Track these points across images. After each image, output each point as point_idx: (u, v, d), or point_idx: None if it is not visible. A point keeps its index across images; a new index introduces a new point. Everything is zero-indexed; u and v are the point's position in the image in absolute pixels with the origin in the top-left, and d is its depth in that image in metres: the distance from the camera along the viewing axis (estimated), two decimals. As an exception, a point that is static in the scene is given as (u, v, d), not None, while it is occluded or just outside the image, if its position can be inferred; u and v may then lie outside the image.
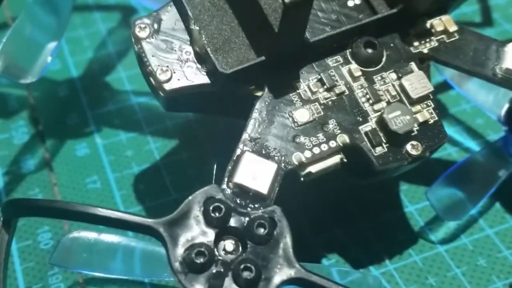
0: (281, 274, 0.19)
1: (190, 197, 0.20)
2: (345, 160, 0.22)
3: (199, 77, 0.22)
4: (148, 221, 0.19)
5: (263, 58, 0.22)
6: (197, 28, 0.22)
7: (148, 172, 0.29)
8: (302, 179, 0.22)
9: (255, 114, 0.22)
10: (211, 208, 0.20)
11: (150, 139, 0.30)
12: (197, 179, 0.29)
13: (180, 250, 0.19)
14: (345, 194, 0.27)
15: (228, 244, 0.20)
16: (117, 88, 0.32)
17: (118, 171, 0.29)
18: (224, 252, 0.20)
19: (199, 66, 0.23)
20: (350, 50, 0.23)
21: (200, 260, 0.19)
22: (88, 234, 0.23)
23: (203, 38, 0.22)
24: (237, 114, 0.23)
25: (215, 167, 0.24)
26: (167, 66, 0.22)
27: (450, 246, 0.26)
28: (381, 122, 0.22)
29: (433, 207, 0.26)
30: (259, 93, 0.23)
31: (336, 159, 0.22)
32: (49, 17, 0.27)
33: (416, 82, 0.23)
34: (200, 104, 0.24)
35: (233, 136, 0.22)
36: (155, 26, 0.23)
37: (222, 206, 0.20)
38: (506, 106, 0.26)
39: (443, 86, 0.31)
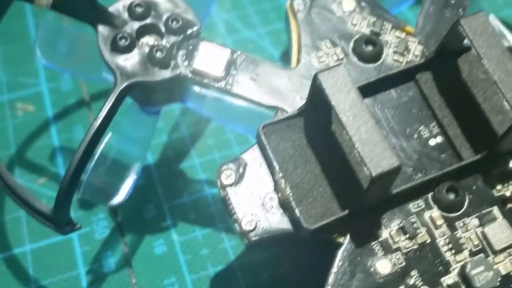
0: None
1: None
2: (425, 311, 0.23)
3: (283, 225, 0.23)
4: None
5: (346, 212, 0.22)
6: (282, 178, 0.23)
7: (224, 274, 0.30)
8: (383, 332, 0.22)
9: (336, 267, 0.23)
10: None
11: (225, 237, 0.31)
12: (271, 285, 0.29)
13: None
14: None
15: None
16: (191, 177, 0.33)
17: (195, 272, 0.30)
18: None
19: (282, 212, 0.23)
20: (432, 194, 0.23)
21: None
22: None
23: (288, 190, 0.23)
24: (317, 249, 0.24)
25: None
26: (252, 215, 0.23)
27: None
28: (464, 277, 0.22)
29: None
30: (340, 239, 0.23)
31: (416, 311, 0.22)
32: (136, 133, 0.28)
33: (500, 232, 0.23)
34: (280, 244, 0.24)
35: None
36: (240, 170, 0.23)
37: None
38: None
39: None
